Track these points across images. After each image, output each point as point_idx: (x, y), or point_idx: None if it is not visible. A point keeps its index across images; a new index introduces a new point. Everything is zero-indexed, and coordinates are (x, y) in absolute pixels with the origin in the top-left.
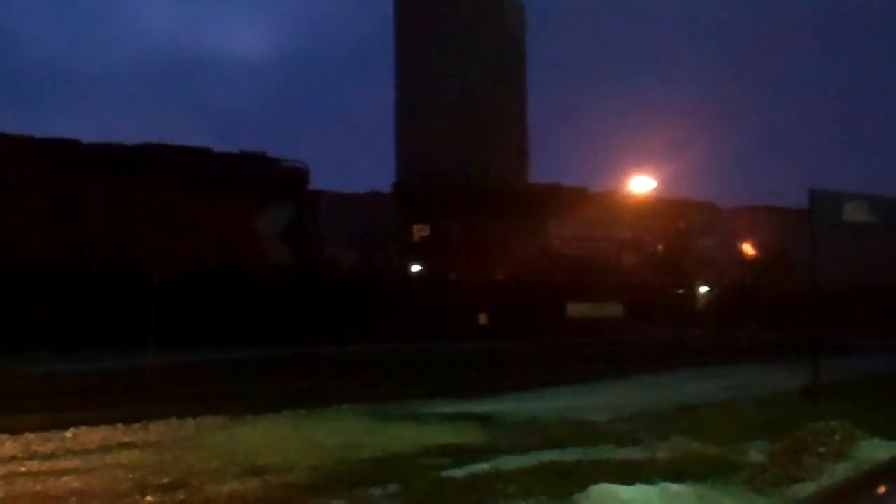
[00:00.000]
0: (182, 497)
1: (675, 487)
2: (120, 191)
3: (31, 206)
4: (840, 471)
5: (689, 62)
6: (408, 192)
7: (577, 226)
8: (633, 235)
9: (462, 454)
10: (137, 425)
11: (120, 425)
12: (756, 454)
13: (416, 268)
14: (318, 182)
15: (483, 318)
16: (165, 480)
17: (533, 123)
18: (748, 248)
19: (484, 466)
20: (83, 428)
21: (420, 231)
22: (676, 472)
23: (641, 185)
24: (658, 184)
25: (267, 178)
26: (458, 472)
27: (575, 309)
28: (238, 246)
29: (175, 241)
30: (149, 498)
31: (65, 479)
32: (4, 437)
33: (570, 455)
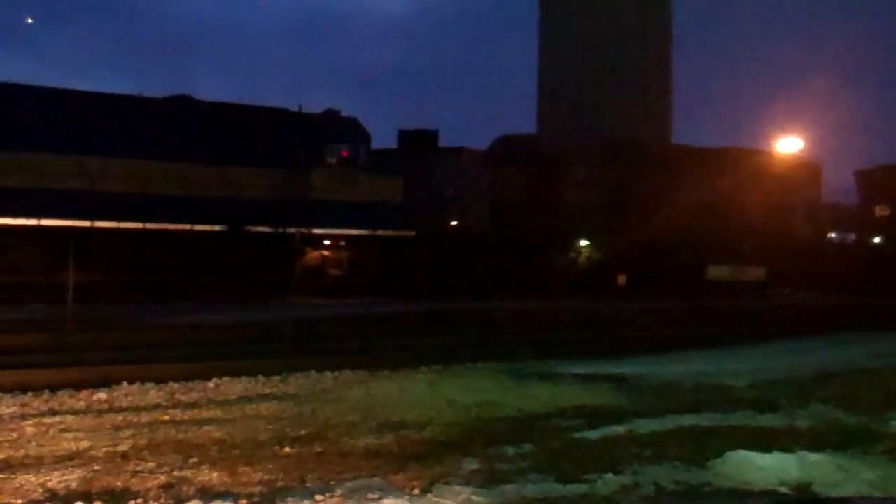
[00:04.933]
0: (319, 449)
1: (813, 456)
2: None
3: None
4: None
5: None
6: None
7: (720, 187)
8: (779, 197)
9: (596, 416)
10: (277, 377)
11: (261, 377)
12: None
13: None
14: (457, 139)
15: (622, 279)
16: (303, 433)
17: (677, 82)
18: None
19: (618, 429)
20: (225, 378)
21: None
22: (816, 441)
23: (788, 145)
24: (805, 145)
25: None
26: (593, 434)
27: (715, 271)
28: None
29: None
30: (287, 449)
31: (206, 428)
32: (150, 385)
33: (706, 420)
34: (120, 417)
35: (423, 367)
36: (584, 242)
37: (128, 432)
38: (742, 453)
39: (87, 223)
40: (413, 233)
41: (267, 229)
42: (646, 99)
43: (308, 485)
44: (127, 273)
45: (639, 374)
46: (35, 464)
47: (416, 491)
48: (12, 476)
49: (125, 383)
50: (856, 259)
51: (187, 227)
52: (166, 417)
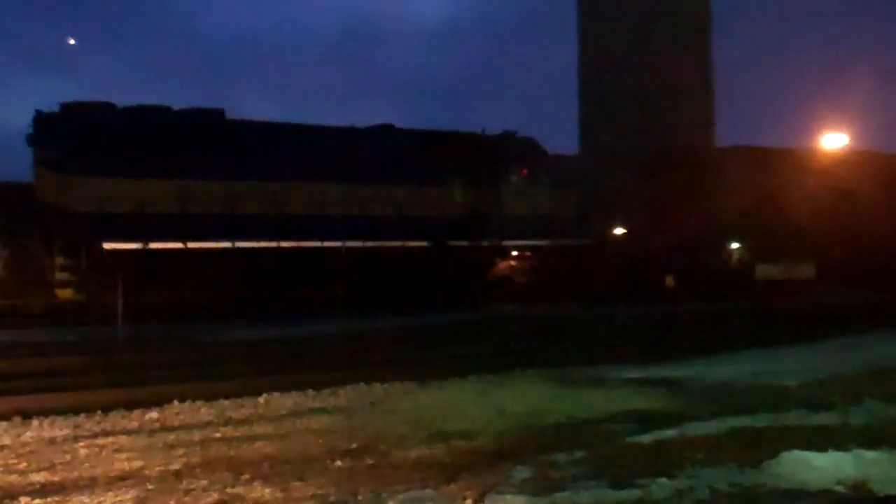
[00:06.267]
0: (371, 462)
1: (869, 454)
2: None
3: None
4: None
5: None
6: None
7: (769, 185)
8: (831, 193)
9: (648, 420)
10: (327, 391)
11: (310, 391)
12: None
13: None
14: None
15: (670, 281)
16: (354, 445)
17: (718, 84)
18: None
19: (671, 432)
20: (275, 394)
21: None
22: (871, 438)
23: (833, 141)
24: (851, 140)
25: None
26: (645, 438)
27: (764, 271)
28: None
29: None
30: (338, 462)
31: (257, 444)
32: (200, 403)
33: (759, 421)
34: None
35: (470, 377)
36: (735, 245)
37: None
38: (797, 453)
39: (317, 244)
40: (589, 241)
41: (464, 243)
42: (689, 103)
43: (360, 498)
44: (355, 286)
45: (690, 377)
46: (89, 485)
47: (469, 501)
48: (67, 498)
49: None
50: None
51: (399, 244)
52: (218, 435)
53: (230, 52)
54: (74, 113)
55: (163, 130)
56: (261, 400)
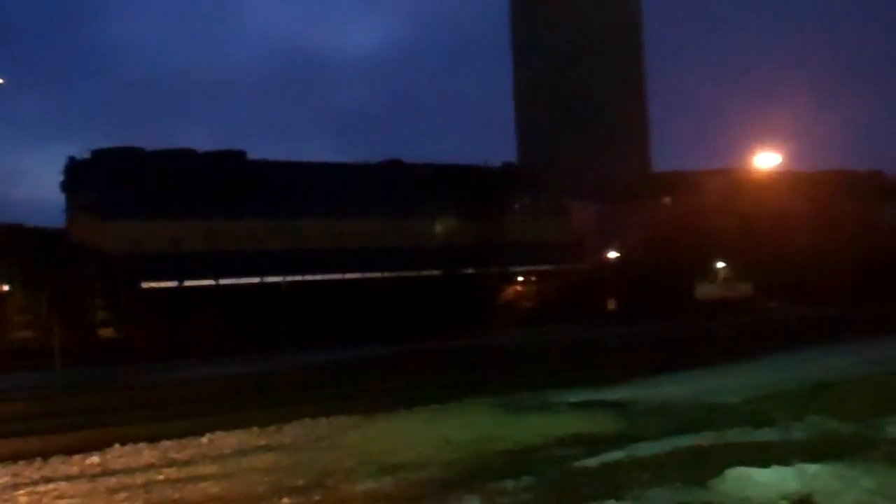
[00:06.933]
0: (318, 498)
1: (812, 467)
2: None
3: None
4: None
5: (810, 33)
6: None
7: (705, 207)
8: (764, 212)
9: (595, 443)
10: (272, 427)
11: (255, 428)
12: (894, 430)
13: None
14: None
15: (612, 304)
16: (301, 482)
17: (652, 108)
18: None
19: (618, 454)
20: (219, 433)
21: None
22: (813, 452)
23: (766, 160)
24: (784, 159)
25: None
26: (592, 462)
27: (704, 290)
28: None
29: None
30: (285, 500)
31: (202, 484)
32: (142, 445)
33: (704, 439)
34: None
35: (416, 408)
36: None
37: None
38: (741, 470)
39: (337, 276)
40: (587, 266)
41: (472, 271)
42: (623, 129)
43: None
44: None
45: (635, 398)
46: None
47: None
48: None
49: None
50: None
51: (414, 273)
52: (161, 477)
53: (167, 90)
54: (106, 158)
55: (189, 172)
56: (204, 440)
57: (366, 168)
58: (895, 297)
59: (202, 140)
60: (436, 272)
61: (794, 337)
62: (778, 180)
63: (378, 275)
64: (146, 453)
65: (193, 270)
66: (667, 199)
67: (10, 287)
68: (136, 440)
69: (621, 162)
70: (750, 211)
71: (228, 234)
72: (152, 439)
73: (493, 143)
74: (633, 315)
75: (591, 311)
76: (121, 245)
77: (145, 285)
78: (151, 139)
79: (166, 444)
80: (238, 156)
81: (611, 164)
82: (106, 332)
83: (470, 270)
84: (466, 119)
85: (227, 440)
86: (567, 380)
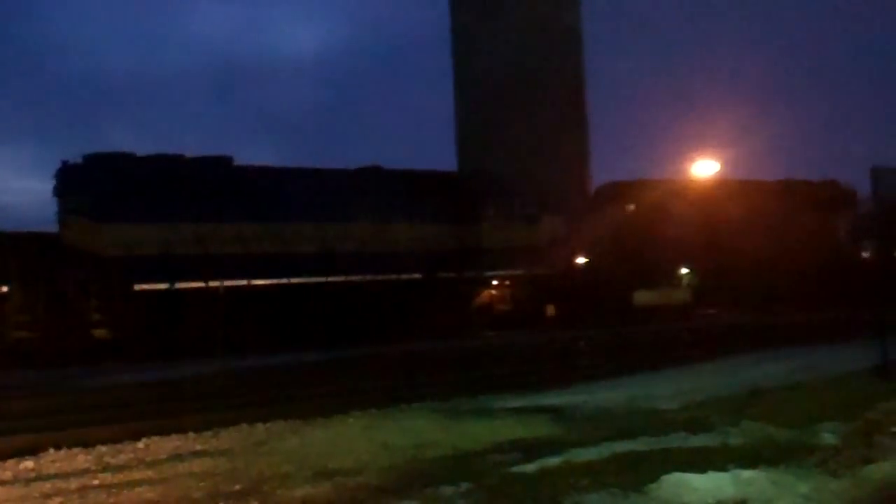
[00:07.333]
0: (254, 503)
1: (747, 473)
2: None
3: None
4: None
5: (747, 43)
6: None
7: (645, 215)
8: (702, 220)
9: (533, 448)
10: (209, 433)
11: (191, 433)
12: (828, 436)
13: None
14: None
15: (551, 310)
16: (237, 487)
17: (593, 116)
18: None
19: (555, 460)
20: (154, 438)
21: None
22: (749, 458)
23: (705, 169)
24: (722, 167)
25: None
26: (530, 467)
27: (642, 297)
28: None
29: None
30: None
31: (138, 490)
32: (77, 450)
33: (641, 445)
34: None
35: (354, 412)
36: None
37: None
38: (677, 475)
39: (322, 279)
40: (556, 271)
41: (450, 275)
42: (563, 136)
43: None
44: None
45: (573, 404)
46: None
47: None
48: None
49: None
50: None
51: (393, 277)
52: (96, 482)
53: (102, 90)
54: (99, 163)
55: (179, 176)
56: (140, 445)
57: (344, 174)
58: (845, 305)
59: (136, 141)
60: (416, 276)
61: (729, 343)
62: (734, 189)
63: (359, 278)
64: (80, 458)
65: (183, 272)
66: (630, 207)
67: (9, 288)
68: (70, 445)
69: (560, 169)
70: (705, 219)
71: (217, 238)
72: (87, 444)
73: (433, 147)
74: (569, 321)
75: (533, 318)
76: (114, 248)
77: (138, 287)
78: (85, 140)
79: (101, 448)
80: (225, 161)
81: (550, 171)
82: (100, 333)
83: (446, 275)
84: (407, 122)
85: (163, 445)
86: (511, 383)
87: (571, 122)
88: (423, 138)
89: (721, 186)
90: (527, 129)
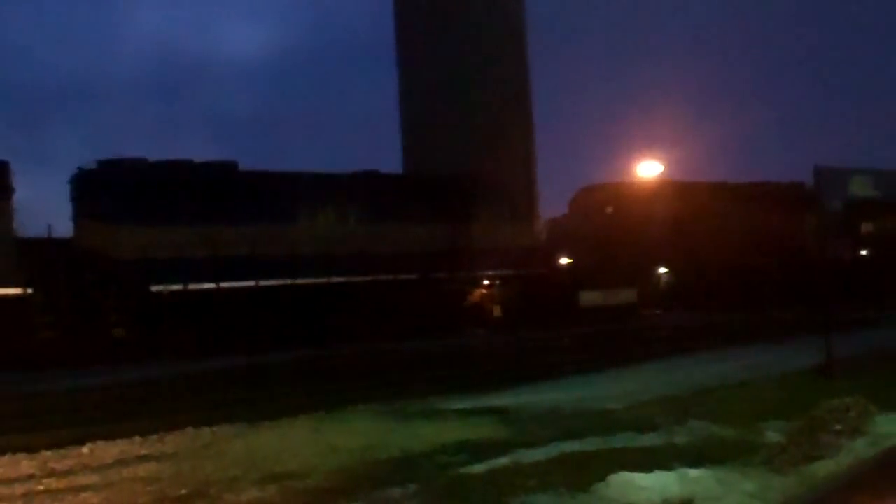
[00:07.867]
0: None
1: (693, 472)
2: None
3: None
4: (857, 447)
5: (691, 46)
6: None
7: (593, 217)
8: (649, 220)
9: (480, 450)
10: (154, 437)
11: (137, 438)
12: (773, 434)
13: None
14: None
15: (497, 311)
16: (183, 492)
17: (538, 116)
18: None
19: (503, 461)
20: (100, 443)
21: None
22: (695, 457)
23: (648, 169)
24: (666, 168)
25: None
26: (478, 468)
27: (588, 297)
28: None
29: None
30: None
31: (83, 495)
32: (21, 456)
33: (588, 445)
34: None
35: (302, 416)
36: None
37: None
38: (624, 475)
39: (325, 280)
40: (545, 270)
41: (443, 275)
42: (508, 138)
43: None
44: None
45: (520, 405)
46: None
47: None
48: None
49: None
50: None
51: (392, 277)
52: (41, 487)
53: (44, 93)
54: (113, 168)
55: (189, 182)
56: (85, 450)
57: (343, 177)
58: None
59: (80, 145)
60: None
61: (677, 342)
62: (704, 190)
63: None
64: (25, 463)
65: (196, 274)
66: (609, 209)
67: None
68: (14, 450)
69: (506, 171)
70: (677, 221)
71: (223, 240)
72: (31, 449)
73: (379, 148)
74: (514, 322)
75: (480, 319)
76: (130, 250)
77: (154, 289)
78: (31, 145)
79: (46, 454)
80: (231, 165)
81: (496, 173)
82: (118, 333)
83: (439, 275)
84: (352, 123)
85: (108, 450)
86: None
87: (515, 124)
88: (370, 138)
89: (692, 188)
90: (471, 130)
